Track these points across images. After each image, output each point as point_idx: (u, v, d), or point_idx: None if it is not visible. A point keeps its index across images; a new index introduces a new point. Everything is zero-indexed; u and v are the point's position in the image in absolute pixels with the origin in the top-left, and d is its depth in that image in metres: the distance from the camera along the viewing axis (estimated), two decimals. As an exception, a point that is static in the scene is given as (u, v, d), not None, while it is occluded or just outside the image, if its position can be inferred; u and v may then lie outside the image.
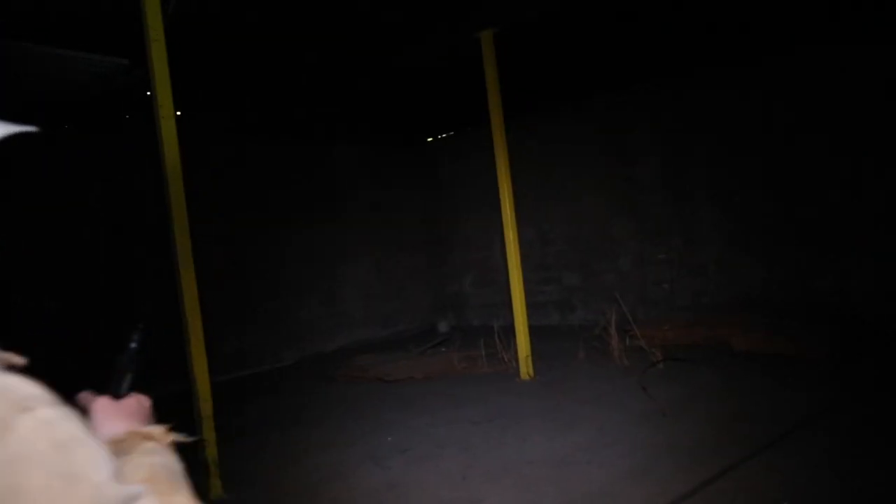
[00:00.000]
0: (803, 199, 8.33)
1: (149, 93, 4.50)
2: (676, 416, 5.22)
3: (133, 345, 1.33)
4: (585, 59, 8.26)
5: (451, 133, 12.20)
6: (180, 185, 4.47)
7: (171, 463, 1.01)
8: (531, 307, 10.88)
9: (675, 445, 4.58)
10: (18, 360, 0.89)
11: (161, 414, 1.20)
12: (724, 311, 8.21)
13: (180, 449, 1.08)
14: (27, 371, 0.82)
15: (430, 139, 12.52)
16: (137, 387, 1.28)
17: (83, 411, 1.09)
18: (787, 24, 7.44)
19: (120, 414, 1.16)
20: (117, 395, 1.23)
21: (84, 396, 1.17)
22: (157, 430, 1.08)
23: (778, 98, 8.44)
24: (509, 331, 7.34)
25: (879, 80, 7.65)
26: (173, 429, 1.10)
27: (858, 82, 7.81)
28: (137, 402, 1.22)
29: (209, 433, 4.53)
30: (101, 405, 1.17)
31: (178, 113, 8.84)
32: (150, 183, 6.30)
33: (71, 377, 1.20)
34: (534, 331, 10.13)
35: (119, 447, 1.00)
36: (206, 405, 4.52)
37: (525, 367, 7.18)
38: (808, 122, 8.21)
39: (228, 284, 9.56)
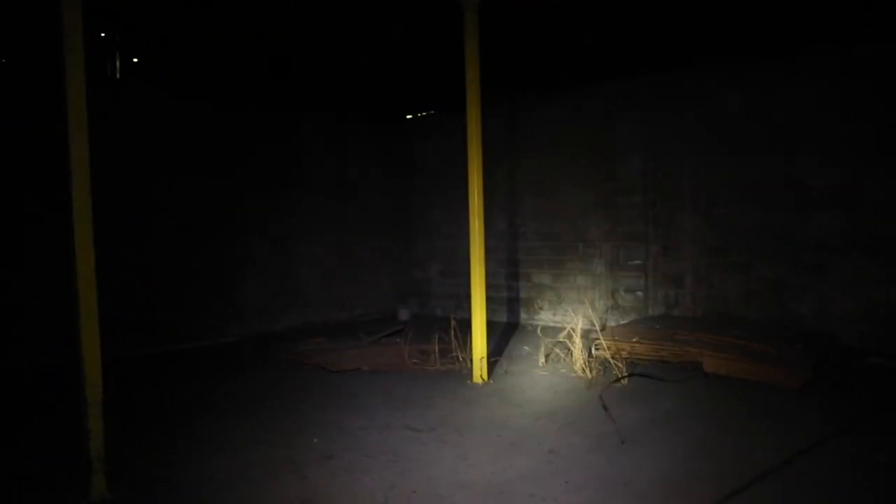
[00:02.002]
0: (789, 215, 7.85)
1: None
2: (636, 444, 4.66)
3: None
4: (576, 43, 7.69)
5: (431, 112, 11.54)
6: (84, 133, 3.78)
7: None
8: (497, 302, 10.41)
9: (631, 481, 4.02)
10: None
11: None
12: (699, 325, 7.68)
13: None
14: None
15: (408, 117, 11.85)
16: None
17: None
18: (791, 22, 6.92)
19: None
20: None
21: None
22: None
23: (773, 102, 7.91)
24: (470, 325, 6.74)
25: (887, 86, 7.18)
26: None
27: (851, 90, 7.33)
28: None
29: (95, 423, 3.88)
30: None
31: (134, 59, 8.31)
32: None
33: None
34: (497, 328, 9.66)
35: None
36: (94, 390, 3.87)
37: (479, 370, 6.60)
38: (806, 131, 7.71)
39: (173, 252, 8.90)
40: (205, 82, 8.91)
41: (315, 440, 4.93)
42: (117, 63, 8.43)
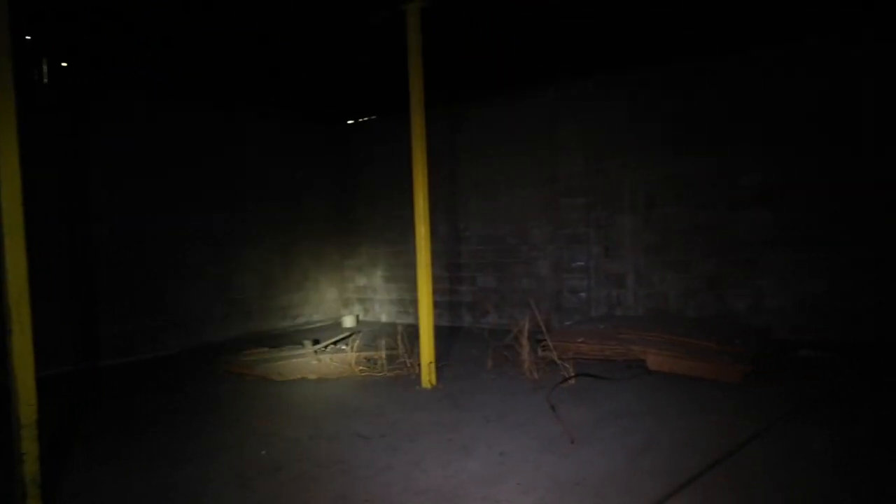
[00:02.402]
0: (723, 213, 8.11)
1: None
2: (586, 444, 4.72)
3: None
4: (518, 47, 7.74)
5: (373, 117, 11.47)
6: (13, 134, 3.62)
7: None
8: (442, 307, 10.41)
9: (581, 480, 4.06)
10: None
11: None
12: (641, 324, 7.83)
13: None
14: None
15: (349, 122, 11.75)
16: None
17: None
18: (719, 25, 7.15)
19: None
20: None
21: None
22: None
23: (704, 106, 8.17)
24: (417, 330, 6.71)
25: (801, 90, 7.49)
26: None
27: (787, 88, 7.62)
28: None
29: (30, 445, 3.70)
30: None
31: (64, 64, 8.00)
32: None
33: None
34: (443, 332, 9.66)
35: None
36: (28, 410, 3.69)
37: (427, 375, 6.58)
38: (737, 132, 7.98)
39: (110, 260, 8.59)
40: (142, 78, 8.57)
41: (263, 451, 4.83)
42: (44, 66, 8.11)
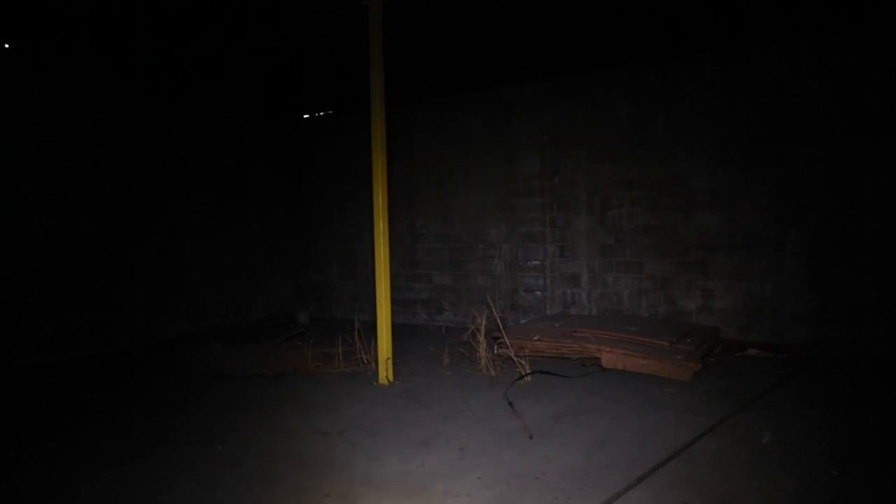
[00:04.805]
0: (675, 215, 8.29)
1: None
2: (544, 439, 4.78)
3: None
4: (477, 45, 7.79)
5: (330, 112, 11.38)
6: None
7: None
8: (398, 304, 10.39)
9: (540, 475, 4.11)
10: None
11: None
12: (596, 323, 7.96)
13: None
14: None
15: (305, 116, 11.64)
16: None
17: None
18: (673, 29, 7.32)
19: None
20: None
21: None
22: None
23: (658, 110, 8.34)
24: (372, 327, 6.70)
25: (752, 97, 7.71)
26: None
27: (734, 95, 7.83)
28: None
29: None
30: None
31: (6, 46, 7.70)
32: None
33: None
34: (399, 329, 9.57)
35: None
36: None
37: (384, 371, 6.57)
38: (689, 137, 8.16)
39: (54, 253, 8.32)
40: (81, 64, 8.29)
41: (220, 448, 4.75)
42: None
